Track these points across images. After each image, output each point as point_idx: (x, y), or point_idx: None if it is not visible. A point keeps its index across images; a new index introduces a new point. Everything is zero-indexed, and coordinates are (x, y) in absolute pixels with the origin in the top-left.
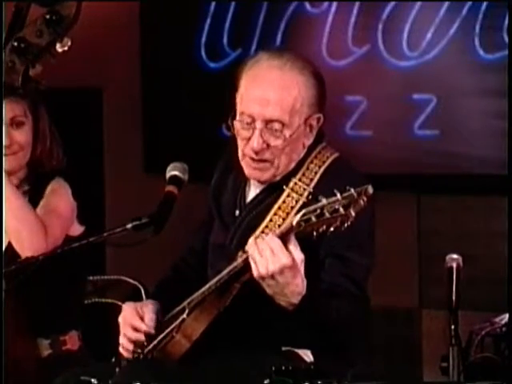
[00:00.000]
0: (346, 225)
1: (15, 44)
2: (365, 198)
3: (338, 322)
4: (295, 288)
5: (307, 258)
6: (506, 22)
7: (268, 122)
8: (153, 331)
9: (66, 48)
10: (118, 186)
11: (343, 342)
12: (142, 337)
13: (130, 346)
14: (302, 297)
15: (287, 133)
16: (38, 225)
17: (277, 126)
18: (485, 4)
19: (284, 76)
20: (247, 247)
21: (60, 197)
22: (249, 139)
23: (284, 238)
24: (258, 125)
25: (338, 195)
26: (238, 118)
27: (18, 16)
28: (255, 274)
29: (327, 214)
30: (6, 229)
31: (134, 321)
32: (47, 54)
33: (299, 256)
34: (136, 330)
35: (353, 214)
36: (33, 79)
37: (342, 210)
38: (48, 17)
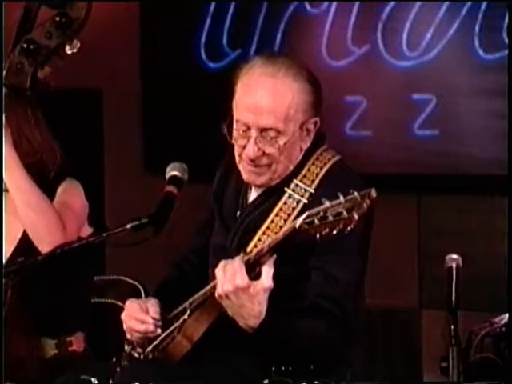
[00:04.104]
0: (349, 228)
1: (24, 45)
2: (368, 202)
3: (311, 344)
4: (250, 311)
5: (295, 272)
6: (506, 21)
7: (263, 130)
8: (159, 324)
9: (75, 50)
10: (118, 185)
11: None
12: (149, 327)
13: (138, 339)
14: (262, 321)
15: (282, 140)
16: (56, 218)
17: (272, 133)
18: (485, 4)
19: (277, 83)
20: (219, 266)
21: (74, 195)
22: (244, 147)
23: (260, 261)
24: (253, 133)
25: (342, 198)
26: (234, 125)
27: (27, 17)
28: (216, 292)
29: (330, 217)
30: (24, 222)
31: (139, 314)
32: (56, 56)
33: (266, 282)
34: (142, 322)
35: (356, 217)
36: (41, 81)
37: (345, 213)
38: (58, 19)
